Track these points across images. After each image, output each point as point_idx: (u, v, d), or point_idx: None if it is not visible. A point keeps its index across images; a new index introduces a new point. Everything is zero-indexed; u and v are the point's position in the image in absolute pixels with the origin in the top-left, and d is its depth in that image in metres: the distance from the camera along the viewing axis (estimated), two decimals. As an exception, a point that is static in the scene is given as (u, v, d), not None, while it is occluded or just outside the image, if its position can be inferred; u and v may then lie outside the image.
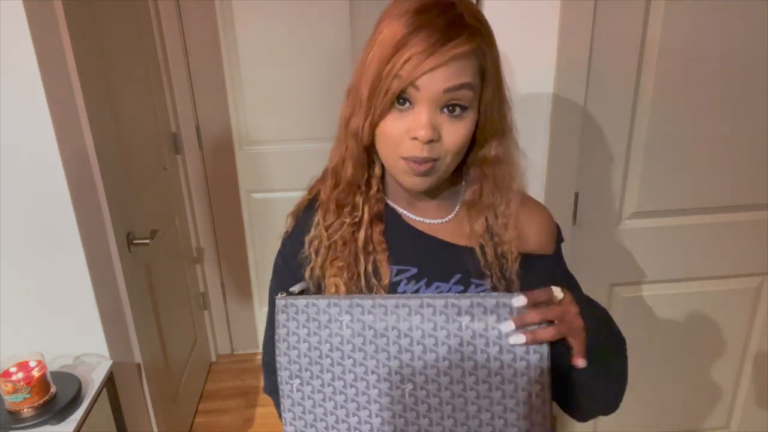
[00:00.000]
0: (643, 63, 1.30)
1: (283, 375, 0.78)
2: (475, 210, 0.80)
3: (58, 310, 1.37)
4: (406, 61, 0.67)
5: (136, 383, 1.63)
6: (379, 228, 0.81)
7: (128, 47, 1.76)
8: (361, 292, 0.79)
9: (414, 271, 0.80)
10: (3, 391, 1.21)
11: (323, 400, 0.76)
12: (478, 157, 0.79)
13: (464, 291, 0.79)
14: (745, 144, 1.40)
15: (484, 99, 0.73)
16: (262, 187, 2.36)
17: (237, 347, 2.64)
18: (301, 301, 0.74)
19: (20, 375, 1.21)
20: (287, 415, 0.79)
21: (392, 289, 0.80)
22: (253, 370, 2.51)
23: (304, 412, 0.77)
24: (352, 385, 0.75)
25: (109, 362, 1.42)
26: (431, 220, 0.82)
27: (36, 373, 1.22)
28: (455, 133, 0.71)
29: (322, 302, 0.74)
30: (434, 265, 0.80)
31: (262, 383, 2.51)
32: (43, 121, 1.21)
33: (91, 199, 1.40)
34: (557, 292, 0.70)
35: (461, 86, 0.69)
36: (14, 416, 1.22)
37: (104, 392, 1.39)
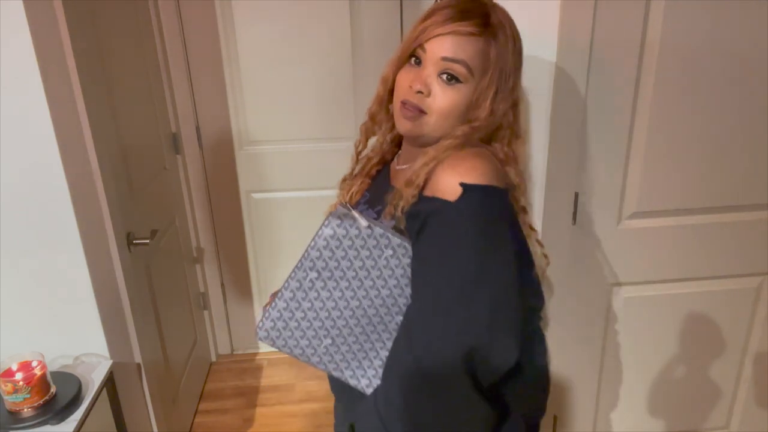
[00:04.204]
0: (643, 63, 1.30)
1: (305, 263, 0.88)
2: (418, 160, 0.89)
3: (58, 310, 1.37)
4: (425, 28, 0.85)
5: (136, 383, 1.63)
6: (377, 168, 1.05)
7: (128, 47, 1.76)
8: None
9: (368, 196, 1.02)
10: (3, 391, 1.21)
11: (326, 298, 0.90)
12: (458, 129, 0.88)
13: (377, 218, 0.94)
14: (745, 144, 1.40)
15: (481, 84, 0.86)
16: (262, 187, 2.36)
17: (237, 347, 2.64)
18: (363, 221, 0.85)
19: (20, 375, 1.21)
20: (286, 295, 0.91)
21: (355, 205, 1.00)
22: (252, 370, 2.51)
23: (302, 299, 0.90)
24: (353, 293, 0.89)
25: (109, 362, 1.42)
26: (400, 166, 0.99)
27: (36, 373, 1.22)
28: (443, 96, 0.86)
29: (378, 230, 0.86)
30: (378, 196, 0.96)
31: (261, 382, 2.51)
32: (43, 121, 1.21)
33: (91, 199, 1.40)
34: None
35: (456, 60, 0.84)
36: (14, 416, 1.22)
37: (104, 392, 1.39)
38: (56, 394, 1.27)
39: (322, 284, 0.89)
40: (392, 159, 1.04)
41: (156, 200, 1.93)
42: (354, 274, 0.87)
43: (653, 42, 1.28)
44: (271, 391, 2.36)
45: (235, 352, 2.63)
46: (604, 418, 1.70)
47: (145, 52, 1.91)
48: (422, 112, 0.86)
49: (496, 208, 0.81)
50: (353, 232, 0.86)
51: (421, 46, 0.85)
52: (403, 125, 0.89)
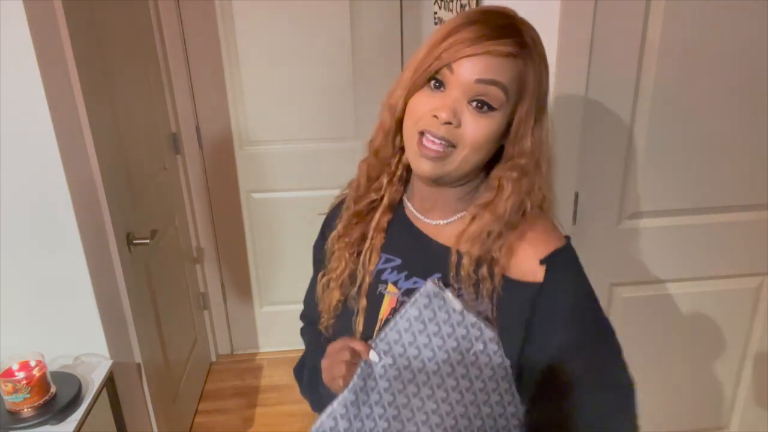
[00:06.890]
0: (643, 63, 1.30)
1: (380, 345, 0.72)
2: (477, 219, 0.77)
3: (58, 310, 1.37)
4: (450, 45, 0.71)
5: (136, 383, 1.63)
6: (387, 217, 0.85)
7: (128, 47, 1.76)
8: (355, 270, 0.83)
9: (398, 262, 0.83)
10: (3, 391, 1.21)
11: (402, 405, 0.70)
12: (500, 170, 0.78)
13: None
14: (745, 144, 1.40)
15: (519, 113, 0.74)
16: (262, 187, 2.36)
17: (237, 347, 2.64)
18: (457, 304, 0.71)
19: (20, 375, 1.21)
20: (347, 397, 0.73)
21: (377, 274, 0.83)
22: (252, 370, 2.50)
23: (371, 388, 0.72)
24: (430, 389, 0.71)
25: (109, 362, 1.42)
26: (431, 221, 0.83)
27: (36, 373, 1.22)
28: (476, 127, 0.71)
29: (470, 317, 0.71)
30: (418, 260, 0.82)
31: (261, 382, 2.51)
32: (43, 121, 1.21)
33: (91, 199, 1.40)
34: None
35: (493, 82, 0.70)
36: (14, 416, 1.22)
37: (104, 392, 1.39)
38: (56, 394, 1.27)
39: (396, 373, 0.70)
40: (400, 201, 0.86)
41: (156, 200, 1.93)
42: (435, 368, 0.69)
43: (653, 42, 1.28)
44: (271, 391, 2.36)
45: (235, 352, 2.63)
46: (604, 418, 1.70)
47: (145, 52, 1.91)
48: (453, 146, 0.72)
49: (574, 252, 0.81)
50: (441, 316, 0.69)
51: (448, 65, 0.71)
52: (423, 167, 0.73)
